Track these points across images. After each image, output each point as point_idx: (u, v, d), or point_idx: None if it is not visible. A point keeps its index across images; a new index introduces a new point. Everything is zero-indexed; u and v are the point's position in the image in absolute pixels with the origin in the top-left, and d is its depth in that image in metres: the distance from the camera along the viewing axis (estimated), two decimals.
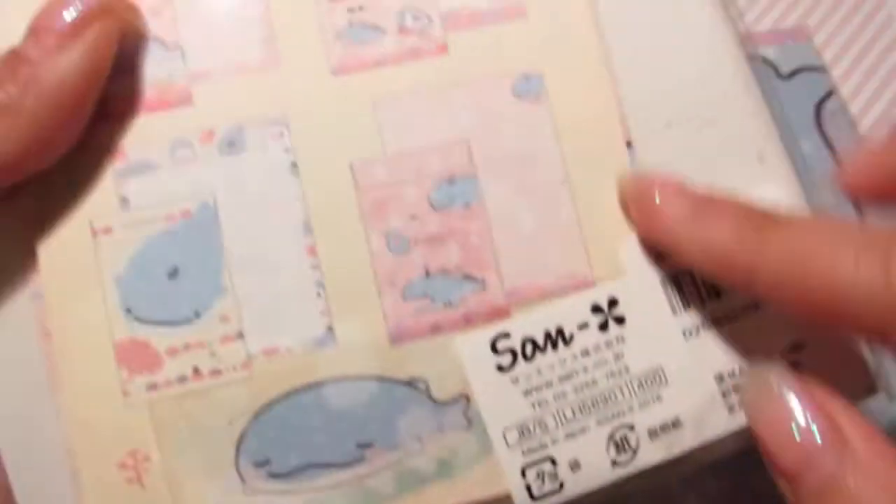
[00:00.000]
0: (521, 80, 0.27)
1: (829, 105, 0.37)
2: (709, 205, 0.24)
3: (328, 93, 0.26)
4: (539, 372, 0.25)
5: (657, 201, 0.25)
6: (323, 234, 0.26)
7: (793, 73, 0.39)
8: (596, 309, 0.26)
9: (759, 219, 0.22)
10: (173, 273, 0.25)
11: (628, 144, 0.27)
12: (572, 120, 0.27)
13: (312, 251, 0.25)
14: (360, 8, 0.26)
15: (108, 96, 0.25)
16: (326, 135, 0.26)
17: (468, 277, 0.26)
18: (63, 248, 0.25)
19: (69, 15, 0.24)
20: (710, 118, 0.27)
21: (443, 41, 0.27)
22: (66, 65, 0.23)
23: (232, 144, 0.26)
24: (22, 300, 0.25)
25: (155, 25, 0.26)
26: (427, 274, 0.26)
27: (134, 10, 0.26)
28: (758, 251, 0.22)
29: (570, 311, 0.26)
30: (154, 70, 0.26)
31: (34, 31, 0.24)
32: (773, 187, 0.27)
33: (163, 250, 0.25)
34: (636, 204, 0.26)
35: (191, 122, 0.26)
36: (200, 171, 0.26)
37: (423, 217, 0.26)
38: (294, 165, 0.26)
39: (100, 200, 0.25)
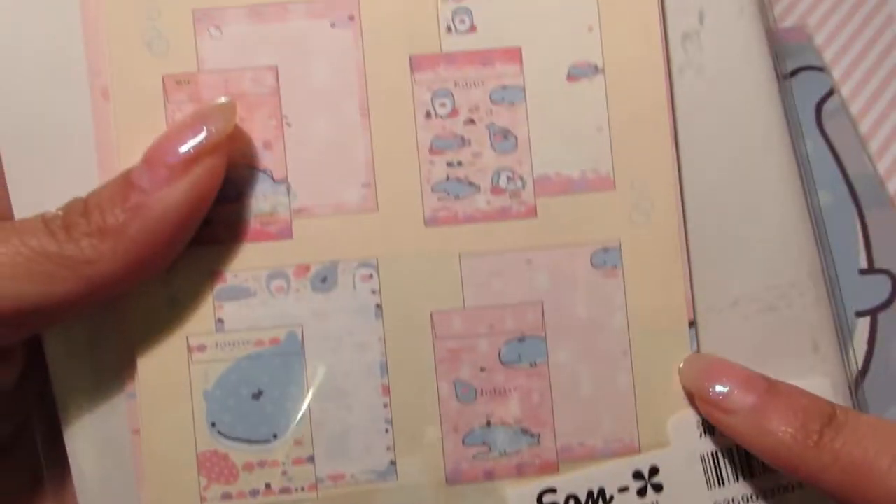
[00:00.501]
0: (600, 250, 0.28)
1: (829, 105, 0.38)
2: (771, 400, 0.25)
3: (419, 242, 0.28)
4: None
5: (721, 389, 0.26)
6: (397, 375, 0.28)
7: (793, 73, 0.39)
8: (637, 475, 0.28)
9: (820, 420, 0.24)
10: (257, 395, 0.27)
11: (691, 324, 0.28)
12: (642, 295, 0.28)
13: (386, 390, 0.27)
14: (459, 163, 0.28)
15: (216, 221, 0.27)
16: (412, 282, 0.28)
17: (525, 431, 0.28)
18: (160, 359, 0.27)
19: (183, 149, 0.25)
20: (772, 304, 0.28)
21: (532, 204, 0.28)
22: (172, 198, 0.25)
23: (324, 280, 0.27)
24: (119, 398, 0.27)
25: (265, 158, 0.27)
26: (488, 424, 0.28)
27: (247, 144, 0.27)
28: (819, 458, 0.24)
29: (614, 475, 0.28)
30: (260, 201, 0.27)
31: (148, 160, 0.25)
32: (823, 378, 0.28)
33: (250, 372, 0.27)
34: (699, 387, 0.27)
35: (289, 255, 0.27)
36: (292, 303, 0.27)
37: (491, 370, 0.28)
38: (379, 307, 0.27)
39: (198, 319, 0.27)
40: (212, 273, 0.27)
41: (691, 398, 0.28)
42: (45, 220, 0.24)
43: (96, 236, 0.24)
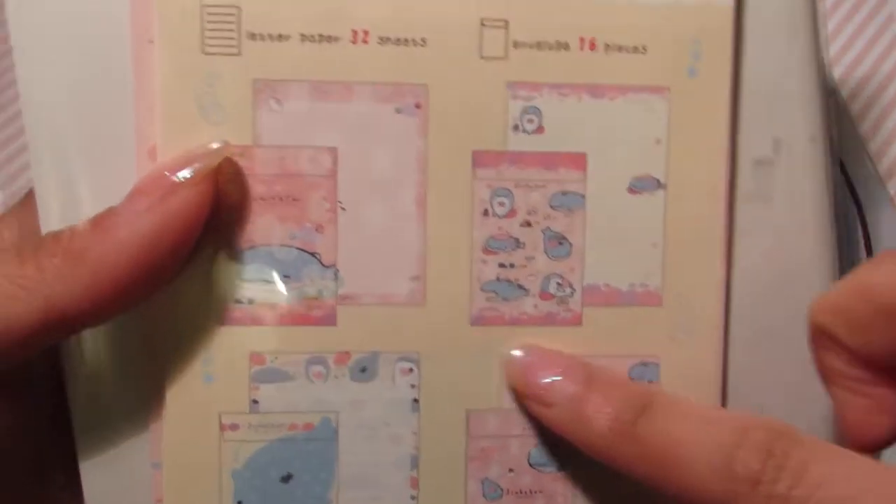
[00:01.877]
0: (638, 364, 0.28)
1: (829, 105, 0.38)
2: (590, 390, 0.25)
3: (462, 340, 0.27)
4: None
5: (544, 381, 0.26)
6: (427, 469, 0.27)
7: None
8: None
9: (634, 409, 0.24)
10: (287, 478, 0.27)
11: None
12: None
13: (415, 483, 0.27)
14: (512, 265, 0.27)
15: (259, 301, 0.26)
16: (452, 380, 0.27)
17: None
18: (190, 433, 0.26)
19: (162, 182, 0.24)
20: None
21: (579, 312, 0.27)
22: (139, 225, 0.23)
23: (364, 370, 0.27)
24: (143, 468, 0.27)
25: (316, 241, 0.26)
26: None
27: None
28: (630, 448, 0.24)
29: None
30: (307, 284, 0.26)
31: (131, 193, 0.24)
32: None
33: (281, 455, 0.27)
34: (521, 382, 0.27)
35: (331, 341, 0.27)
36: (330, 390, 0.27)
37: (519, 471, 0.28)
38: (416, 401, 0.27)
39: (233, 399, 0.27)
40: (251, 353, 0.26)
41: (512, 391, 0.27)
42: (20, 246, 0.23)
43: (59, 257, 0.23)
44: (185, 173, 0.24)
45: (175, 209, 0.24)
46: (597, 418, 0.24)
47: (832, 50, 0.38)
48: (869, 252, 0.35)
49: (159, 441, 0.27)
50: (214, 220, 0.26)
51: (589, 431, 0.24)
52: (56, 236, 0.23)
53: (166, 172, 0.24)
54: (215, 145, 0.25)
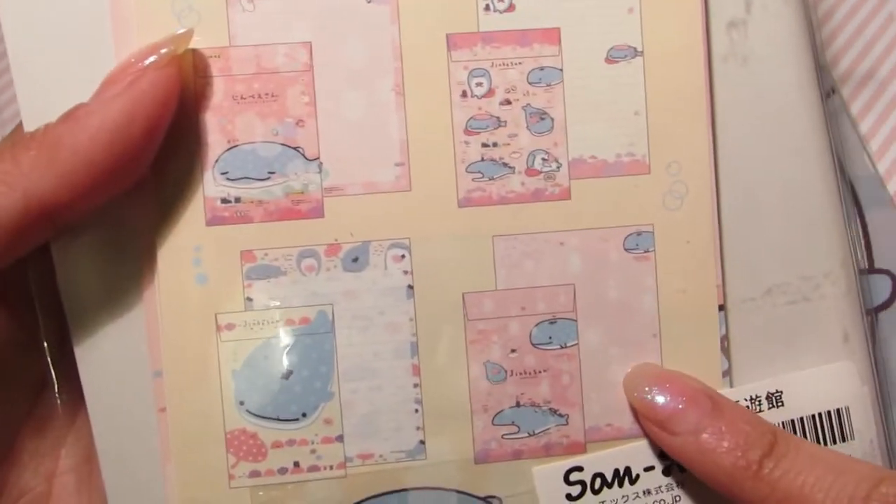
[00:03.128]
0: (633, 234, 0.27)
1: (829, 105, 0.37)
2: (714, 422, 0.24)
3: (452, 223, 0.27)
4: None
5: (663, 402, 0.26)
6: (428, 356, 0.27)
7: None
8: (663, 454, 0.27)
9: (761, 448, 0.24)
10: (286, 374, 0.26)
11: (721, 307, 0.27)
12: (673, 279, 0.27)
13: (416, 370, 0.27)
14: (495, 144, 0.27)
15: (246, 199, 0.26)
16: (445, 263, 0.27)
17: (554, 412, 0.27)
18: (187, 337, 0.26)
19: (129, 70, 0.24)
20: (806, 294, 0.28)
21: (567, 186, 0.27)
22: (109, 110, 0.23)
23: (355, 260, 0.26)
24: (144, 376, 0.26)
25: (297, 136, 0.26)
26: (518, 404, 0.27)
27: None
28: (757, 489, 0.23)
29: (640, 454, 0.27)
30: (291, 179, 0.26)
31: (101, 84, 0.24)
32: (852, 366, 0.28)
33: (279, 352, 0.26)
34: (641, 401, 0.26)
35: (320, 234, 0.26)
36: (323, 282, 0.26)
37: (522, 352, 0.27)
38: (410, 288, 0.26)
39: (227, 298, 0.26)
40: (241, 252, 0.26)
41: (633, 409, 0.27)
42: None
43: (34, 149, 0.23)
44: (151, 59, 0.24)
45: (143, 91, 0.23)
46: (722, 453, 0.24)
47: (832, 50, 0.38)
48: (869, 252, 0.34)
49: (158, 349, 0.26)
50: (195, 122, 0.26)
51: (713, 465, 0.24)
52: (31, 132, 0.23)
53: (133, 60, 0.24)
54: (180, 30, 0.25)
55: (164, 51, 0.24)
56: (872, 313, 0.34)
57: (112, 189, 0.24)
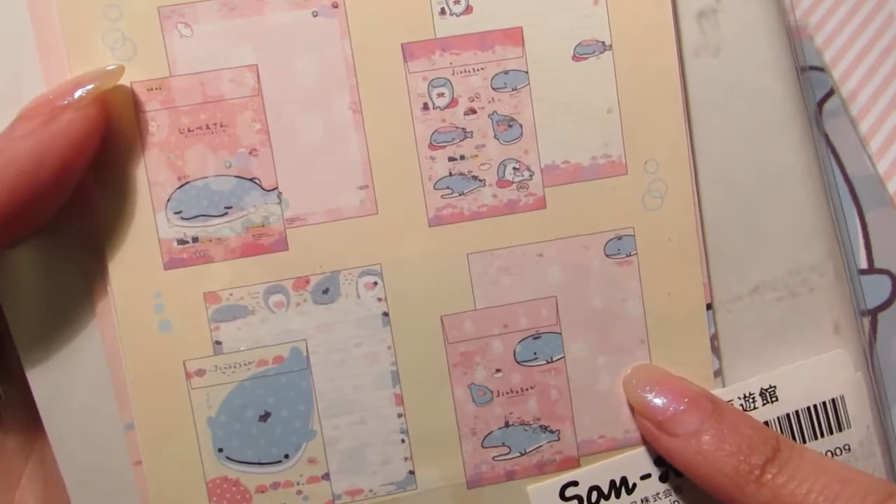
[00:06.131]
0: (614, 239, 0.25)
1: (829, 105, 0.36)
2: (715, 426, 0.23)
3: (424, 244, 0.24)
4: None
5: (662, 404, 0.24)
6: (410, 384, 0.25)
7: None
8: (659, 461, 0.26)
9: (764, 453, 0.22)
10: (264, 416, 0.24)
11: (708, 307, 0.25)
12: (658, 281, 0.25)
13: (399, 400, 0.25)
14: (462, 157, 0.24)
15: (203, 238, 0.24)
16: (420, 286, 0.24)
17: (544, 429, 0.25)
18: (156, 388, 0.24)
19: (45, 108, 0.21)
20: (794, 289, 0.26)
21: (541, 195, 0.25)
22: (17, 147, 0.21)
23: (326, 292, 0.24)
24: (116, 429, 0.24)
25: (252, 166, 0.24)
26: (507, 424, 0.25)
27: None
28: (758, 495, 0.22)
29: (635, 462, 0.26)
30: (250, 213, 0.24)
31: (14, 120, 0.22)
32: (844, 353, 0.26)
33: (255, 394, 0.24)
34: (640, 401, 0.25)
35: (286, 267, 0.24)
36: (294, 318, 0.24)
37: (507, 371, 0.25)
38: (386, 315, 0.24)
39: (194, 343, 0.24)
40: (205, 294, 0.24)
41: (632, 410, 0.25)
42: None
43: None
44: (71, 97, 0.21)
45: (56, 133, 0.21)
46: (723, 456, 0.22)
47: (833, 49, 0.36)
48: (869, 252, 0.33)
49: (127, 401, 0.24)
50: (141, 160, 0.23)
51: (714, 469, 0.22)
52: None
53: (51, 97, 0.21)
54: (109, 67, 0.22)
55: (89, 87, 0.21)
56: (872, 313, 0.32)
57: (18, 230, 0.22)
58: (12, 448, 0.25)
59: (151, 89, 0.23)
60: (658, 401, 0.24)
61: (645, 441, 0.25)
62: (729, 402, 0.25)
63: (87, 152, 0.22)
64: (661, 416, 0.24)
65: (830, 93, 0.35)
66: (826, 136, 0.35)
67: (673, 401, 0.24)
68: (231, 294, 0.24)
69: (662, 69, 0.24)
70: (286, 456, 0.24)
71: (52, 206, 0.22)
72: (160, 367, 0.24)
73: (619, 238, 0.25)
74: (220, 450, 0.24)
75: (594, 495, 0.25)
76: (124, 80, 0.23)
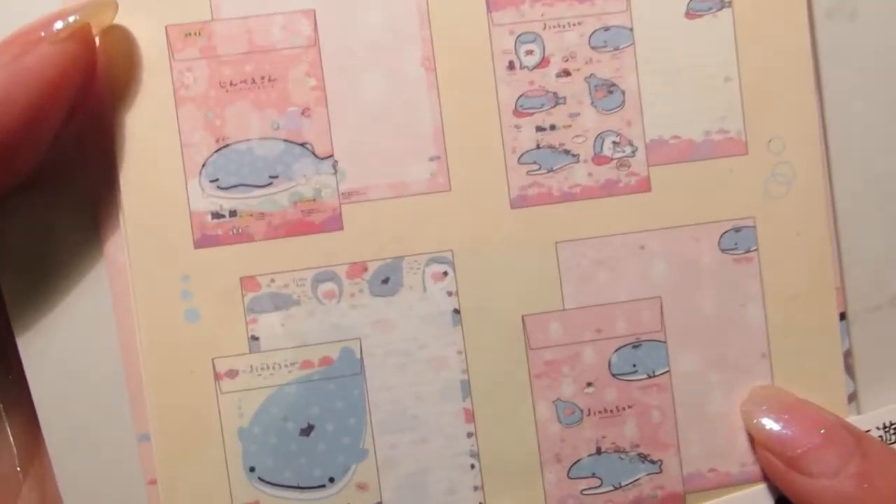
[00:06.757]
0: (730, 231, 0.21)
1: None
2: (861, 465, 0.19)
3: (504, 229, 0.20)
4: None
5: (788, 435, 0.20)
6: (483, 396, 0.20)
7: None
8: (782, 501, 0.21)
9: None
10: (307, 430, 0.20)
11: (842, 316, 0.21)
12: (782, 284, 0.21)
13: (469, 416, 0.20)
14: (553, 127, 0.20)
15: (243, 212, 0.20)
16: (498, 279, 0.20)
17: (644, 458, 0.21)
18: (179, 390, 0.20)
19: (25, 38, 0.18)
20: None
21: (645, 175, 0.20)
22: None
23: (386, 281, 0.20)
24: (129, 440, 0.20)
25: (304, 129, 0.20)
26: (598, 451, 0.21)
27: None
28: None
29: (753, 503, 0.21)
30: (300, 184, 0.20)
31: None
32: None
33: (296, 403, 0.20)
34: (765, 433, 0.20)
35: (339, 250, 0.20)
36: (346, 312, 0.20)
37: (600, 385, 0.21)
38: (456, 313, 0.20)
39: (226, 338, 0.20)
40: (241, 279, 0.19)
41: (751, 439, 0.21)
42: None
43: None
44: (49, 29, 0.18)
45: (30, 67, 0.18)
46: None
47: None
48: None
49: (143, 408, 0.19)
50: (174, 117, 0.20)
51: None
52: None
53: (34, 26, 0.18)
54: None
55: (71, 19, 0.18)
56: None
57: None
58: (7, 462, 0.21)
59: (189, 34, 0.19)
60: (787, 431, 0.19)
61: (766, 478, 0.20)
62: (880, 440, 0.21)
63: (66, 92, 0.18)
64: (791, 450, 0.19)
65: None
66: None
67: (806, 432, 0.20)
68: (273, 280, 0.20)
69: (790, 31, 0.21)
70: (331, 480, 0.20)
71: (29, 155, 0.19)
72: (184, 366, 0.20)
73: (737, 230, 0.20)
74: (252, 469, 0.20)
75: None
76: (157, 22, 0.19)
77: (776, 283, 0.21)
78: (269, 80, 0.20)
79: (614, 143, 0.20)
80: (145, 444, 0.20)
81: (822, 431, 0.19)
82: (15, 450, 0.21)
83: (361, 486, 0.20)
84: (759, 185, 0.21)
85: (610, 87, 0.20)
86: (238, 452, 0.20)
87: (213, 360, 0.20)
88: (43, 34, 0.18)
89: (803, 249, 0.21)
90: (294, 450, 0.20)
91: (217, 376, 0.20)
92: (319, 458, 0.20)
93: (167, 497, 0.20)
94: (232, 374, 0.20)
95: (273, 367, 0.20)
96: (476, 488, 0.20)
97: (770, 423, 0.20)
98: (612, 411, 0.21)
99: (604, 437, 0.21)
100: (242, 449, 0.20)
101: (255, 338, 0.20)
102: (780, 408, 0.20)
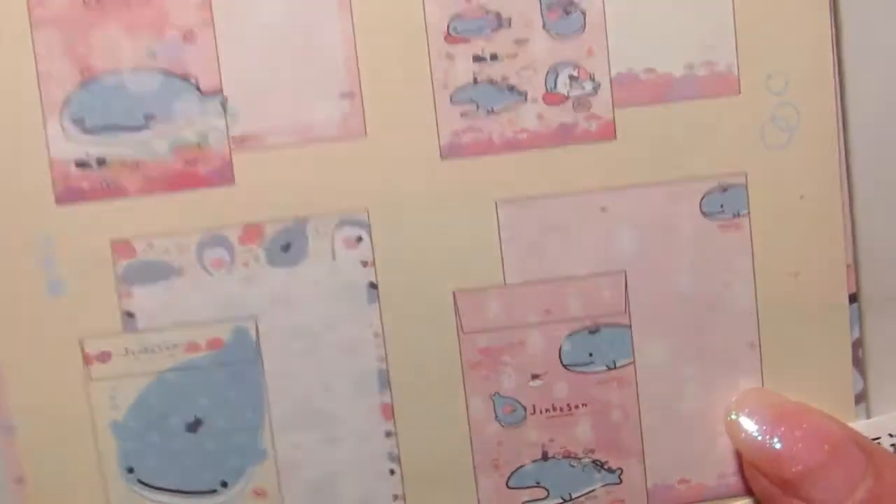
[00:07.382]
0: (716, 190, 0.17)
1: None
2: (874, 487, 0.16)
3: (432, 184, 0.17)
4: None
5: (785, 450, 0.16)
6: (405, 389, 0.18)
7: None
8: None
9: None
10: (193, 425, 0.18)
11: (852, 299, 0.17)
12: (779, 257, 0.18)
13: (388, 411, 0.17)
14: (493, 57, 0.16)
15: (112, 161, 0.17)
16: (424, 247, 0.17)
17: (600, 465, 0.18)
18: (42, 375, 0.17)
19: None
20: None
21: (609, 118, 0.17)
22: None
23: (286, 249, 0.17)
24: None
25: (186, 58, 0.16)
26: (544, 457, 0.18)
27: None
28: None
29: None
30: (181, 126, 0.16)
31: None
32: None
33: (180, 393, 0.17)
34: (757, 448, 0.17)
35: (230, 209, 0.17)
36: (239, 284, 0.17)
37: (548, 378, 0.18)
38: (373, 287, 0.17)
39: (96, 314, 0.17)
40: (112, 242, 0.17)
41: (739, 457, 0.17)
42: None
43: None
44: None
45: None
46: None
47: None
48: None
49: (6, 394, 0.17)
50: (27, 44, 0.16)
51: None
52: None
53: None
54: None
55: None
56: None
57: None
58: None
59: None
60: (782, 445, 0.16)
61: (751, 493, 0.17)
62: (875, 441, 0.17)
63: None
64: (787, 471, 0.16)
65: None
66: None
67: (806, 448, 0.16)
68: (150, 245, 0.17)
69: None
70: (223, 484, 0.18)
71: None
72: (48, 347, 0.17)
73: (724, 189, 0.17)
74: (130, 470, 0.17)
75: None
76: None
77: (771, 257, 0.18)
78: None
79: (571, 77, 0.17)
80: (9, 437, 0.17)
81: (827, 447, 0.16)
82: None
83: (259, 493, 0.18)
84: (755, 133, 0.17)
85: (567, 6, 0.17)
86: (113, 450, 0.18)
87: (80, 340, 0.17)
88: None
89: (807, 215, 0.17)
90: (179, 449, 0.18)
91: (86, 360, 0.17)
92: (209, 459, 0.18)
93: (35, 498, 0.17)
94: (104, 357, 0.17)
95: (152, 350, 0.17)
96: (396, 497, 0.18)
97: (760, 435, 0.16)
98: (562, 409, 0.18)
99: (551, 441, 0.18)
100: (118, 446, 0.18)
101: (129, 314, 0.17)
102: (773, 414, 0.17)
